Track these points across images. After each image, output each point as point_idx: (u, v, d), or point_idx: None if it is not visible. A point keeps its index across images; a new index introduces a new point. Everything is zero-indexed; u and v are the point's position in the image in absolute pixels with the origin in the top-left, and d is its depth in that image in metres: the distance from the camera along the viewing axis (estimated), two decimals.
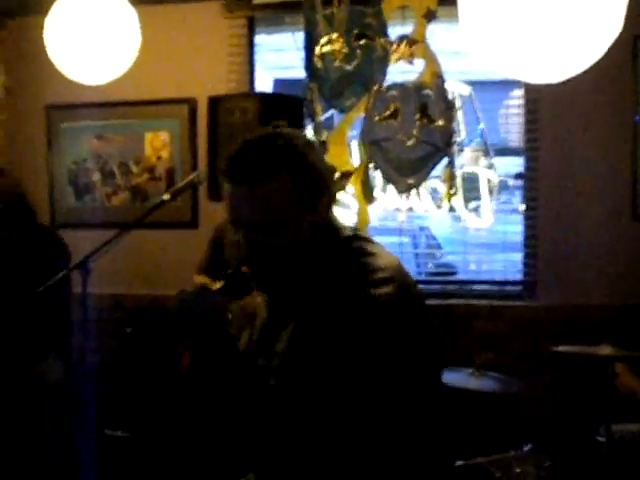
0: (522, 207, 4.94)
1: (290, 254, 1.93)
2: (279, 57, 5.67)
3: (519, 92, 4.96)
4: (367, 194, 4.67)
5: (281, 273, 1.96)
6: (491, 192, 5.00)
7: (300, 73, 4.72)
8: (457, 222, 5.23)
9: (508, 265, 5.13)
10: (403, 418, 1.88)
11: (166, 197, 3.63)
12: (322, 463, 1.86)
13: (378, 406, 1.82)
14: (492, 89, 5.36)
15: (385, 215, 5.22)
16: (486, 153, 5.12)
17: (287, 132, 1.99)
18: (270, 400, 1.83)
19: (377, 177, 4.76)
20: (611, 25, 2.85)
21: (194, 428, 4.40)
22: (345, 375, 1.79)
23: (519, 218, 4.99)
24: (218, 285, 1.98)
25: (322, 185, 1.97)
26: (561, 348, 3.63)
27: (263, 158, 1.89)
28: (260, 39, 5.24)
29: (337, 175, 4.26)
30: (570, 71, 2.96)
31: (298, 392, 1.81)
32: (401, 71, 4.66)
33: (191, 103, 5.14)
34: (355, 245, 2.00)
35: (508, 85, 5.42)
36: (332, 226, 2.03)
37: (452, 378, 3.76)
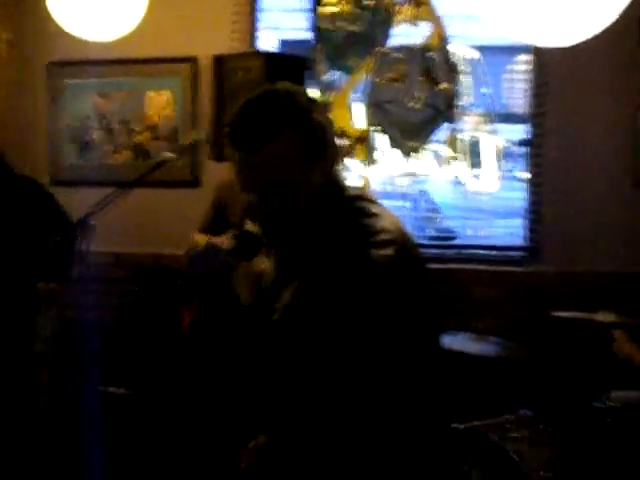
0: (525, 175, 4.91)
1: (302, 211, 1.93)
2: (284, 17, 5.61)
3: (524, 57, 4.90)
4: (370, 157, 4.66)
5: (292, 231, 1.96)
6: (495, 157, 4.98)
7: (305, 34, 4.69)
8: (459, 188, 5.21)
9: (509, 233, 5.12)
10: (400, 377, 1.88)
11: (168, 155, 3.62)
12: (322, 420, 1.86)
13: (373, 365, 1.82)
14: (496, 55, 5.32)
15: (385, 180, 5.21)
16: (490, 118, 5.09)
17: (288, 90, 1.96)
18: (272, 356, 1.83)
19: (379, 140, 4.74)
20: None
21: (197, 388, 4.42)
22: (341, 333, 1.79)
23: (521, 185, 4.96)
24: (226, 243, 1.97)
25: (327, 140, 1.97)
26: (561, 313, 3.64)
27: (266, 121, 1.88)
28: None
29: (348, 139, 4.25)
30: (581, 35, 2.95)
31: (297, 348, 1.81)
32: (406, 34, 4.63)
33: (194, 62, 5.08)
34: (358, 205, 1.99)
35: (512, 51, 5.39)
36: (337, 185, 2.02)
37: (451, 342, 3.78)
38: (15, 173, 4.37)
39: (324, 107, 4.17)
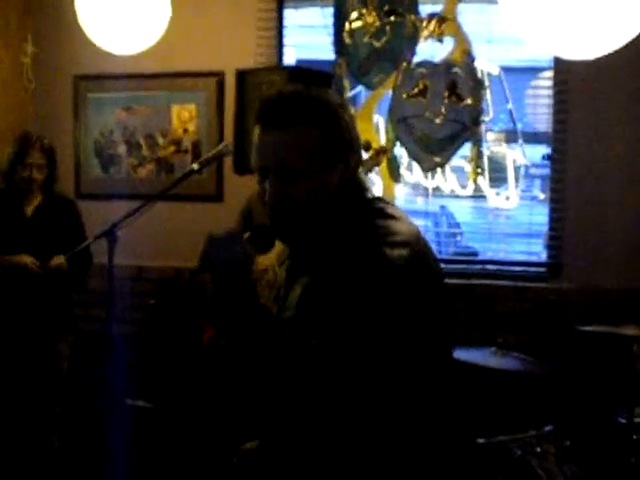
0: (543, 196, 4.92)
1: (313, 206, 1.94)
2: (307, 38, 5.62)
3: (546, 77, 4.92)
4: (393, 172, 4.66)
5: (302, 224, 1.96)
6: (517, 174, 4.97)
7: (326, 54, 4.72)
8: (481, 208, 5.18)
9: (531, 255, 5.10)
10: (407, 382, 1.87)
11: (195, 167, 3.65)
12: (323, 425, 1.85)
13: (380, 368, 1.80)
14: (518, 75, 5.32)
15: (408, 197, 5.20)
16: (514, 134, 5.08)
17: (322, 89, 2.02)
18: (284, 352, 1.80)
19: (403, 155, 4.74)
20: None
21: (212, 400, 4.42)
22: (351, 330, 1.76)
23: (543, 208, 4.96)
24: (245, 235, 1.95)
25: (351, 143, 1.99)
26: (585, 327, 3.62)
27: (297, 105, 1.93)
28: (288, 13, 5.21)
29: (373, 151, 4.26)
30: (604, 48, 2.95)
31: (307, 346, 1.77)
32: (431, 49, 4.64)
33: (219, 76, 5.12)
34: (377, 206, 1.99)
35: (534, 71, 5.39)
36: (358, 185, 2.03)
37: (474, 356, 3.77)
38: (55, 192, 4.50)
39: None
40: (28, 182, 4.32)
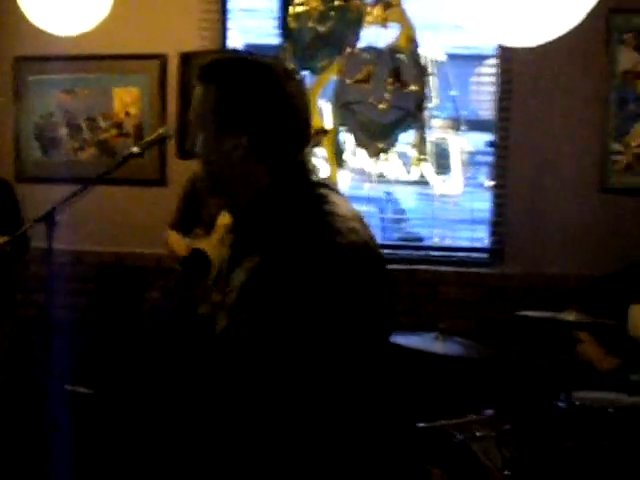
0: (490, 183, 4.94)
1: (214, 177, 1.93)
2: (251, 22, 5.58)
3: (490, 64, 4.95)
4: (337, 158, 4.66)
5: (218, 185, 1.95)
6: (461, 161, 5.00)
7: (273, 37, 4.70)
8: (426, 195, 5.19)
9: (475, 241, 5.13)
10: (352, 372, 1.84)
11: (135, 150, 3.59)
12: (261, 411, 1.82)
13: (330, 356, 1.78)
14: (462, 62, 5.34)
15: (352, 183, 5.20)
16: (457, 121, 5.11)
17: (268, 58, 1.94)
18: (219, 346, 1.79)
19: (347, 140, 4.74)
20: None
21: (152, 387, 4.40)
22: (304, 319, 1.75)
23: (487, 195, 4.99)
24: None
25: (257, 118, 1.88)
26: (526, 313, 3.65)
27: (232, 64, 1.90)
28: None
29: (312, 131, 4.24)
30: (547, 35, 2.97)
31: (248, 335, 1.77)
32: (375, 35, 4.64)
33: (162, 59, 5.03)
34: (321, 191, 1.94)
35: (478, 59, 5.42)
36: (302, 166, 1.97)
37: (417, 341, 3.79)
38: None
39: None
40: None
